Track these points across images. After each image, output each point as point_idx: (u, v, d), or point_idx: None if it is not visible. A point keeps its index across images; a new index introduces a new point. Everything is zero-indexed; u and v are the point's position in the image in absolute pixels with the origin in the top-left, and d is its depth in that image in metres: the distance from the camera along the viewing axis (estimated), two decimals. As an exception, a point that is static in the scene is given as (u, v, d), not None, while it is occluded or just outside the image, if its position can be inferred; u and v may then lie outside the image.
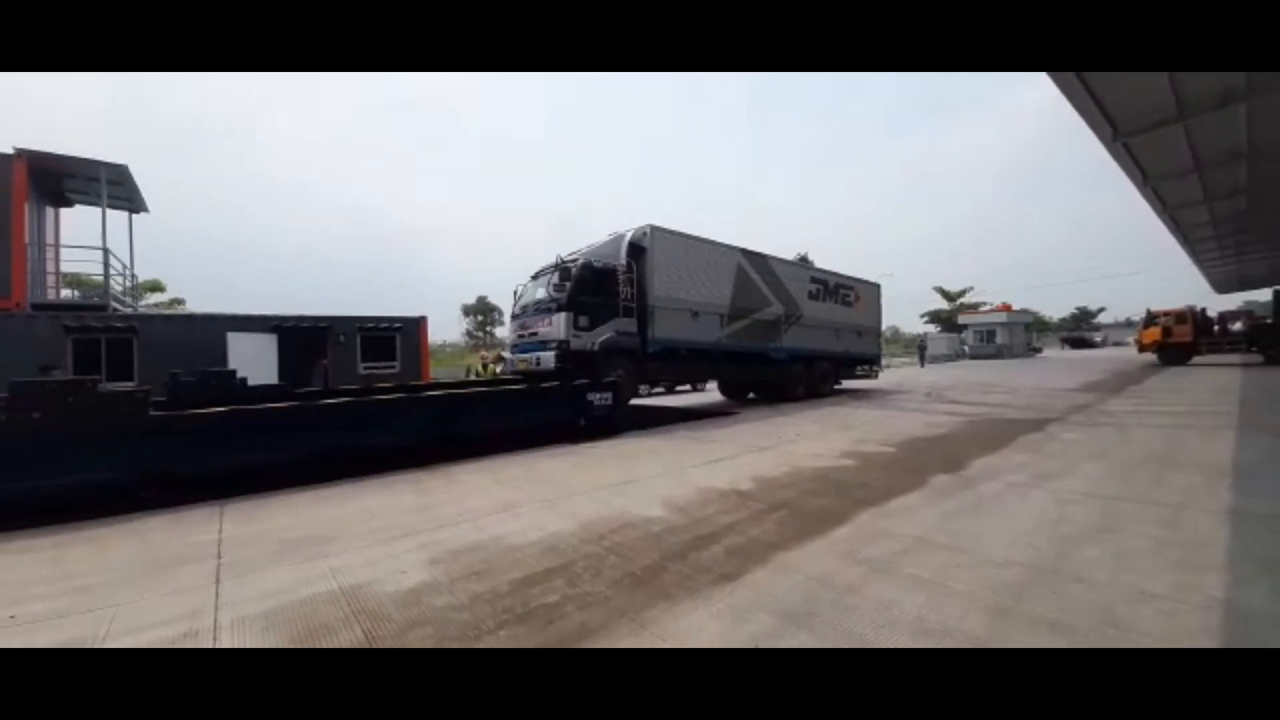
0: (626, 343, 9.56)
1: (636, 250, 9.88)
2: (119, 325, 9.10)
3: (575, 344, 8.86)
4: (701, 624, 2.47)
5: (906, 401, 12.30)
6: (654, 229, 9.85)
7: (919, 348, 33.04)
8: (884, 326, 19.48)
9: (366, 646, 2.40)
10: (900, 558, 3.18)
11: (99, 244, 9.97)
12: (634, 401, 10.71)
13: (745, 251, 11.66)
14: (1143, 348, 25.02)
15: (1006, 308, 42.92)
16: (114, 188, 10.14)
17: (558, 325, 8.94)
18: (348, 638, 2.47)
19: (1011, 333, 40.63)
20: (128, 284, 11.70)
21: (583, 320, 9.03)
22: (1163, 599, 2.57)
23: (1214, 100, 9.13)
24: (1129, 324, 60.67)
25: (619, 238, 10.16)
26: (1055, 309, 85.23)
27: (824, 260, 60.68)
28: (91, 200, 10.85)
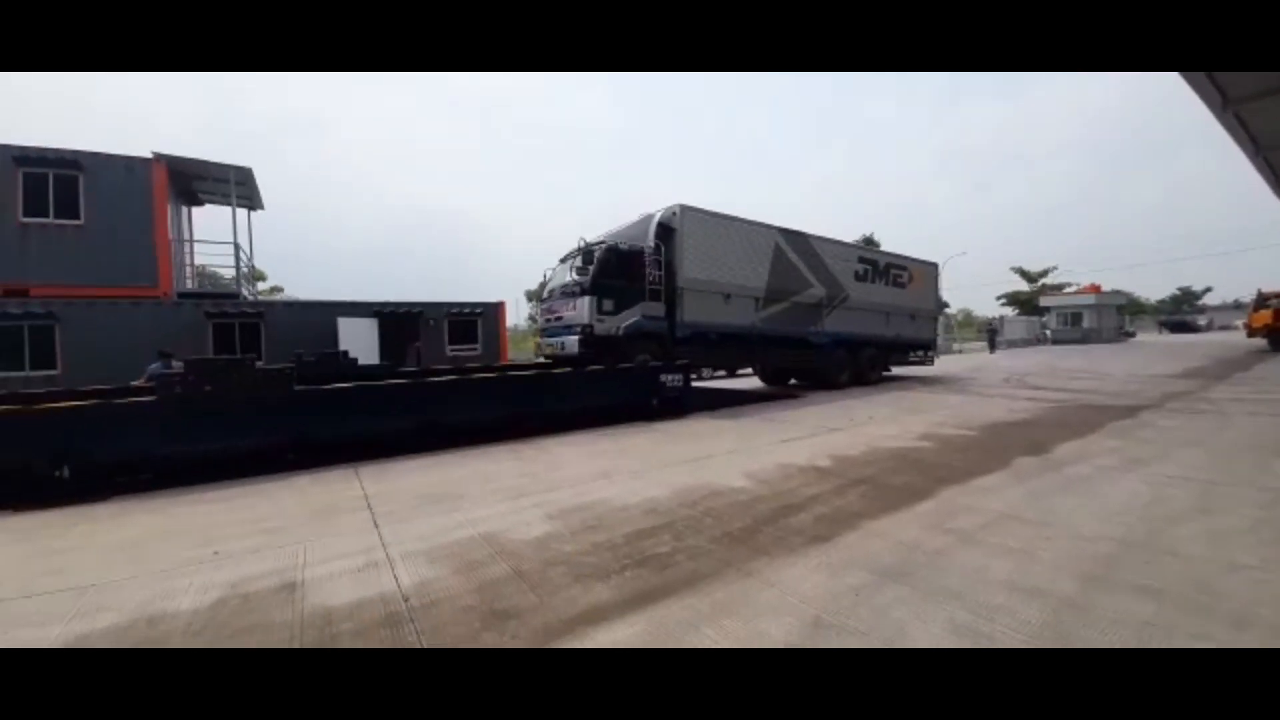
0: (653, 327, 9.28)
1: (665, 231, 9.55)
2: (250, 311, 10.36)
3: (599, 329, 8.70)
4: (803, 576, 2.78)
5: (982, 388, 11.92)
6: (683, 208, 9.47)
7: (988, 332, 31.08)
8: (955, 309, 18.59)
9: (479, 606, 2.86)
10: (987, 529, 3.35)
11: (225, 239, 11.39)
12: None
13: (784, 230, 11.06)
14: (1252, 332, 22.71)
15: (1095, 289, 39.68)
16: (239, 188, 11.44)
17: (581, 309, 8.77)
18: (498, 571, 2.95)
19: (1101, 315, 37.59)
20: (247, 274, 13.12)
21: (607, 304, 8.81)
22: (1255, 569, 2.64)
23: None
24: (1238, 306, 54.68)
25: (648, 219, 9.81)
26: (1153, 290, 77.96)
27: (892, 242, 57.97)
28: (218, 200, 12.29)
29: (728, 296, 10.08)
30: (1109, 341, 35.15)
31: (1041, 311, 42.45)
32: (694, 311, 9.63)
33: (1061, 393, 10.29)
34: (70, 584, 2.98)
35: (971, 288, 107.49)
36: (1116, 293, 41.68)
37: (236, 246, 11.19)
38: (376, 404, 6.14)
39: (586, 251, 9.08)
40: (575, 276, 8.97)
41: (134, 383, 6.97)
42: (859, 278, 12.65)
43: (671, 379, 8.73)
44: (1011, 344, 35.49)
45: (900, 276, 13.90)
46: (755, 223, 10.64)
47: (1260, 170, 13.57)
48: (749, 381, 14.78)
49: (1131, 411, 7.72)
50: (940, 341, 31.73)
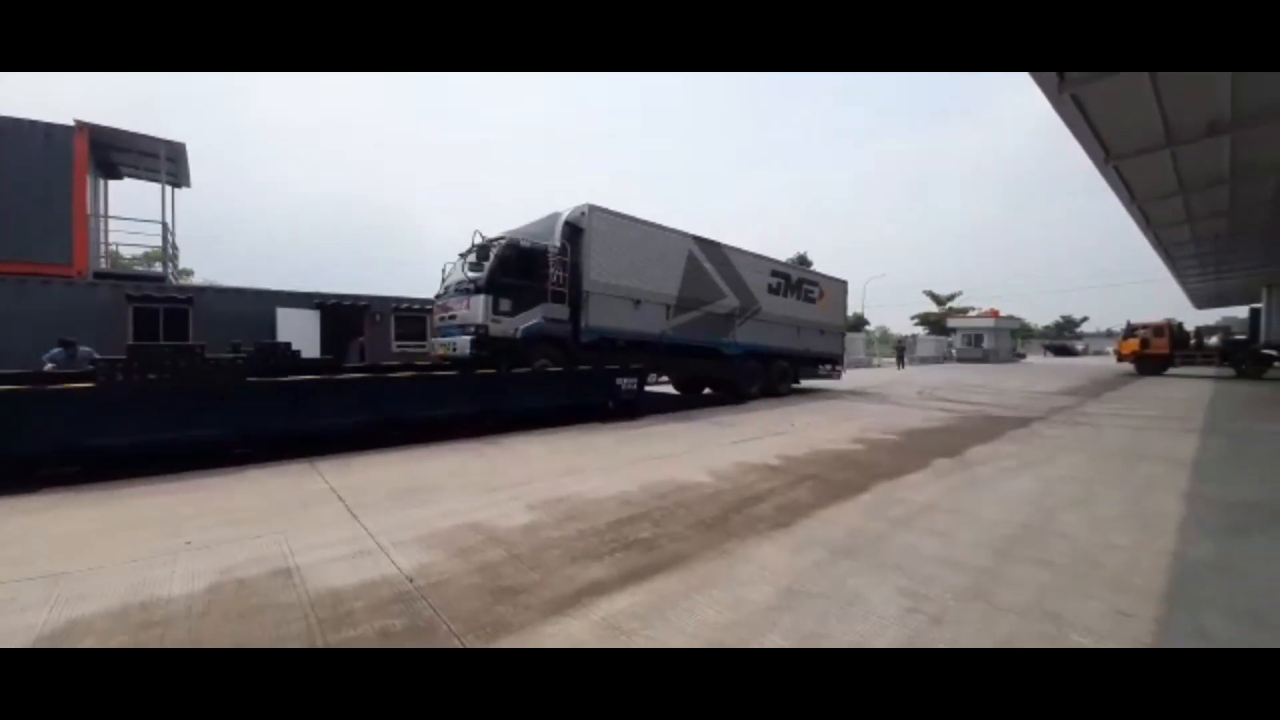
0: (555, 330, 8.93)
1: (573, 231, 9.19)
2: (178, 296, 9.57)
3: (494, 329, 8.26)
4: (771, 554, 3.17)
5: (899, 399, 13.11)
6: (592, 208, 9.12)
7: (897, 349, 33.59)
8: (874, 326, 20.00)
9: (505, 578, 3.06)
10: (916, 517, 3.91)
11: (138, 216, 10.42)
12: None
13: (698, 239, 10.92)
14: (1121, 357, 26.30)
15: (994, 314, 44.20)
16: (168, 164, 10.53)
17: (476, 308, 8.26)
18: (494, 555, 3.14)
19: (998, 338, 41.91)
20: (173, 256, 12.05)
21: (504, 304, 8.36)
22: (1127, 549, 3.32)
23: (1200, 130, 9.94)
24: (1109, 334, 62.52)
25: (554, 216, 9.46)
26: (1040, 316, 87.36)
27: (822, 263, 61.30)
28: (141, 174, 11.25)
29: (637, 302, 9.83)
30: (1004, 361, 39.18)
31: (949, 332, 46.61)
32: (600, 316, 9.32)
33: (966, 405, 11.56)
34: (34, 573, 2.85)
35: (889, 307, 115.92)
36: (1011, 318, 46.51)
37: (165, 226, 10.24)
38: (335, 398, 6.02)
39: (481, 247, 8.59)
40: (468, 273, 8.51)
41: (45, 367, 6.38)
42: (772, 290, 12.75)
43: (626, 383, 9.04)
44: (923, 360, 38.71)
45: (811, 292, 14.23)
46: (669, 229, 10.42)
47: (1134, 217, 15.83)
48: (662, 389, 14.82)
49: (1024, 422, 8.88)
50: (862, 356, 34.15)
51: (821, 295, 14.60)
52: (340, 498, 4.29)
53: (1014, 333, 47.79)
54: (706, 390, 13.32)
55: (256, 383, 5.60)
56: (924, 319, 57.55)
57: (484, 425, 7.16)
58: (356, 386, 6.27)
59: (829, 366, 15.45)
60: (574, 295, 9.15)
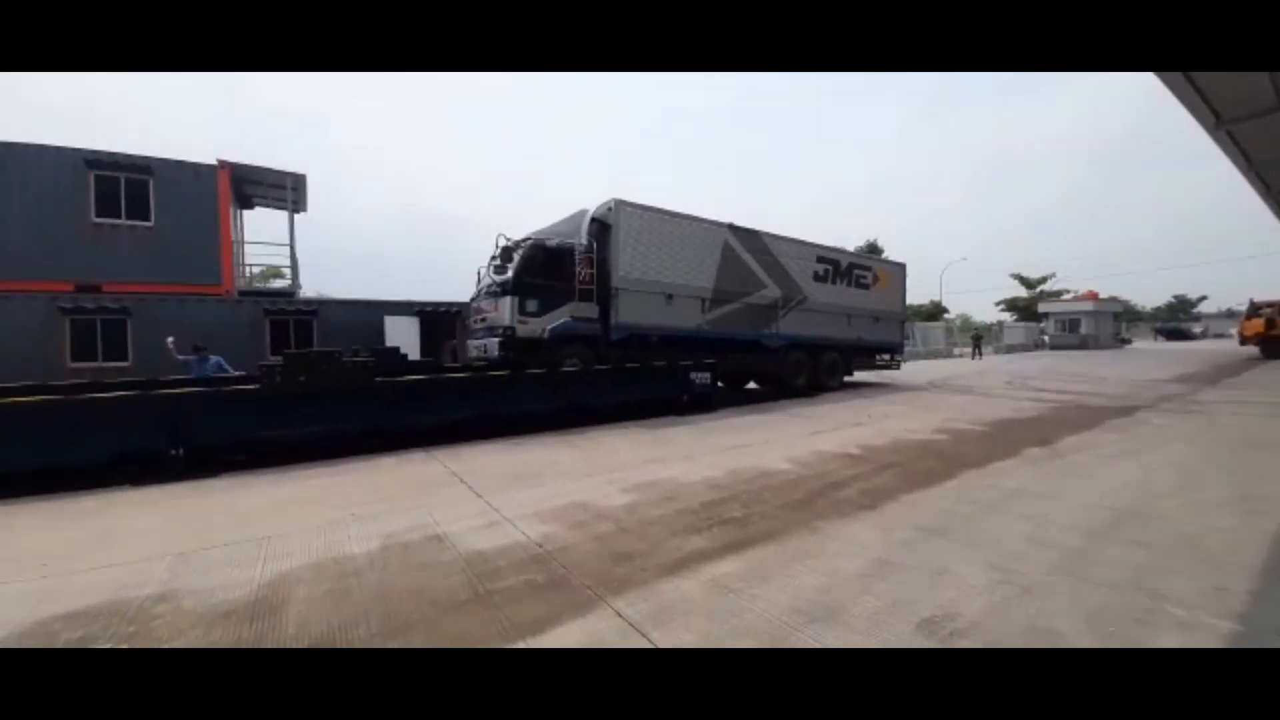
0: (584, 329, 8.82)
1: (600, 228, 9.08)
2: (304, 309, 10.97)
3: (522, 330, 8.24)
4: (859, 532, 3.39)
5: (986, 389, 12.55)
6: (619, 203, 8.95)
7: (973, 339, 30.87)
8: (954, 314, 18.74)
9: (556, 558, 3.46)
10: (1006, 501, 3.97)
11: (265, 239, 11.95)
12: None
13: (734, 228, 10.57)
14: (1244, 340, 23.50)
15: (1093, 295, 40.55)
16: (292, 193, 12.04)
17: (503, 310, 8.28)
18: (604, 528, 3.56)
19: (1098, 322, 38.43)
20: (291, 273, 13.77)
21: (531, 305, 8.33)
22: (1228, 531, 3.27)
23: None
24: (1230, 315, 55.66)
25: (581, 214, 9.34)
26: (1149, 297, 79.00)
27: (896, 251, 58.52)
28: (269, 203, 12.93)
29: (670, 297, 9.59)
30: (1106, 348, 35.92)
31: (1040, 318, 43.25)
32: (631, 313, 9.12)
33: (1062, 394, 10.94)
34: (241, 538, 3.56)
35: (972, 293, 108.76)
36: (1113, 299, 42.50)
37: (292, 248, 11.86)
38: (443, 396, 6.75)
39: (506, 248, 8.60)
40: (493, 275, 8.57)
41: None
42: (818, 278, 12.13)
43: (700, 377, 9.35)
44: (1011, 349, 36.23)
45: (864, 278, 13.34)
46: (701, 219, 10.17)
47: (1252, 183, 14.28)
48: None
49: (1128, 411, 8.37)
50: (941, 346, 32.44)
51: (876, 280, 13.69)
52: (462, 480, 4.90)
53: (1117, 316, 43.61)
54: (751, 384, 12.93)
55: (383, 383, 6.39)
56: (1012, 305, 53.66)
57: (565, 419, 7.69)
58: (460, 385, 6.98)
59: (887, 357, 14.52)
60: (603, 293, 9.00)
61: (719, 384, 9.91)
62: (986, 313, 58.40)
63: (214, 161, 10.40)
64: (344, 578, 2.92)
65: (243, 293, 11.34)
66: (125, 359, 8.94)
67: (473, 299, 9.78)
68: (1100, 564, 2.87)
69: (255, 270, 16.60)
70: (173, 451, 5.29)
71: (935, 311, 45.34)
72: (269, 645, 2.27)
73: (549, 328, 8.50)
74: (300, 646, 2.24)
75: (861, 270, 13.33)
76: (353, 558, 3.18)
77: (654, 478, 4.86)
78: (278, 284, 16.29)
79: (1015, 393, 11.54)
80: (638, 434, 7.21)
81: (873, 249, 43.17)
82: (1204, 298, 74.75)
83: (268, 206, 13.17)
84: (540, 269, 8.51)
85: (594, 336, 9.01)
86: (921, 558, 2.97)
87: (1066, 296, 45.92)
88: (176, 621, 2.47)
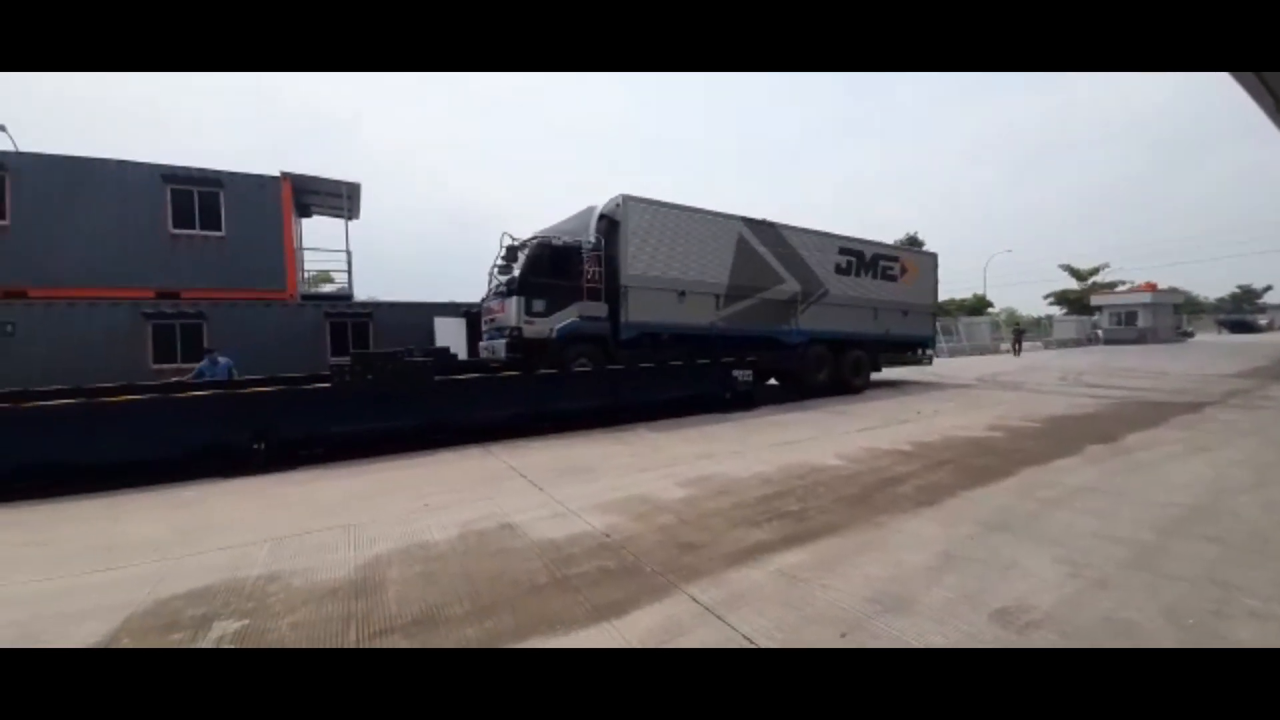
0: (592, 329, 8.68)
1: (609, 225, 8.92)
2: (361, 311, 11.55)
3: (529, 331, 8.16)
4: (921, 526, 3.43)
5: (1037, 385, 12.16)
6: (626, 199, 8.77)
7: (1014, 333, 29.30)
8: (999, 308, 17.83)
9: (608, 542, 3.59)
10: (1070, 497, 3.93)
11: (316, 246, 12.59)
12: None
13: (748, 220, 10.29)
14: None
15: (1150, 287, 38.46)
16: (348, 201, 12.69)
17: (509, 311, 8.24)
18: (666, 519, 3.69)
19: (1156, 314, 36.44)
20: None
21: (538, 305, 8.24)
22: (1315, 530, 3.17)
23: None
24: (1306, 304, 51.83)
25: (589, 211, 9.22)
26: (1211, 288, 74.36)
27: (933, 241, 56.81)
28: (326, 211, 13.63)
29: (682, 294, 9.39)
30: (1166, 342, 34.08)
31: (1092, 311, 41.33)
32: (641, 311, 8.94)
33: (1120, 390, 10.52)
34: (329, 525, 3.84)
35: (1018, 285, 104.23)
36: (1173, 290, 40.24)
37: (348, 254, 12.49)
38: (497, 394, 7.01)
39: (511, 248, 8.60)
40: (498, 275, 8.60)
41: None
42: (841, 270, 11.67)
43: (742, 375, 9.39)
44: (1062, 344, 34.78)
45: (890, 269, 12.72)
46: (714, 213, 9.91)
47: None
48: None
49: (1194, 407, 8.02)
50: (987, 342, 31.37)
51: (904, 271, 13.04)
52: (521, 474, 5.11)
53: (1177, 308, 41.21)
54: (771, 380, 12.22)
55: (441, 381, 6.69)
56: (1062, 297, 51.35)
57: (609, 417, 7.86)
58: (512, 383, 7.23)
59: (919, 351, 13.91)
60: (612, 291, 8.83)
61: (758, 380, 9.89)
62: (1035, 306, 56.12)
63: (277, 173, 11.09)
64: (430, 561, 3.13)
65: (305, 297, 12.00)
66: (200, 360, 9.61)
67: (483, 300, 9.84)
68: (1173, 558, 2.85)
69: (308, 275, 17.43)
70: (255, 445, 5.69)
71: (979, 305, 43.82)
72: (375, 620, 2.48)
73: (556, 328, 8.39)
74: (402, 623, 2.45)
75: (888, 261, 12.75)
76: (435, 544, 3.40)
77: (706, 472, 4.97)
78: (327, 288, 17.03)
79: (1069, 389, 11.15)
80: (684, 430, 7.32)
81: (912, 241, 42.04)
82: (1269, 287, 69.89)
83: (324, 214, 13.86)
84: (546, 268, 8.43)
85: (603, 336, 8.87)
86: (988, 552, 3.00)
87: (1121, 288, 43.71)
88: (289, 599, 2.72)
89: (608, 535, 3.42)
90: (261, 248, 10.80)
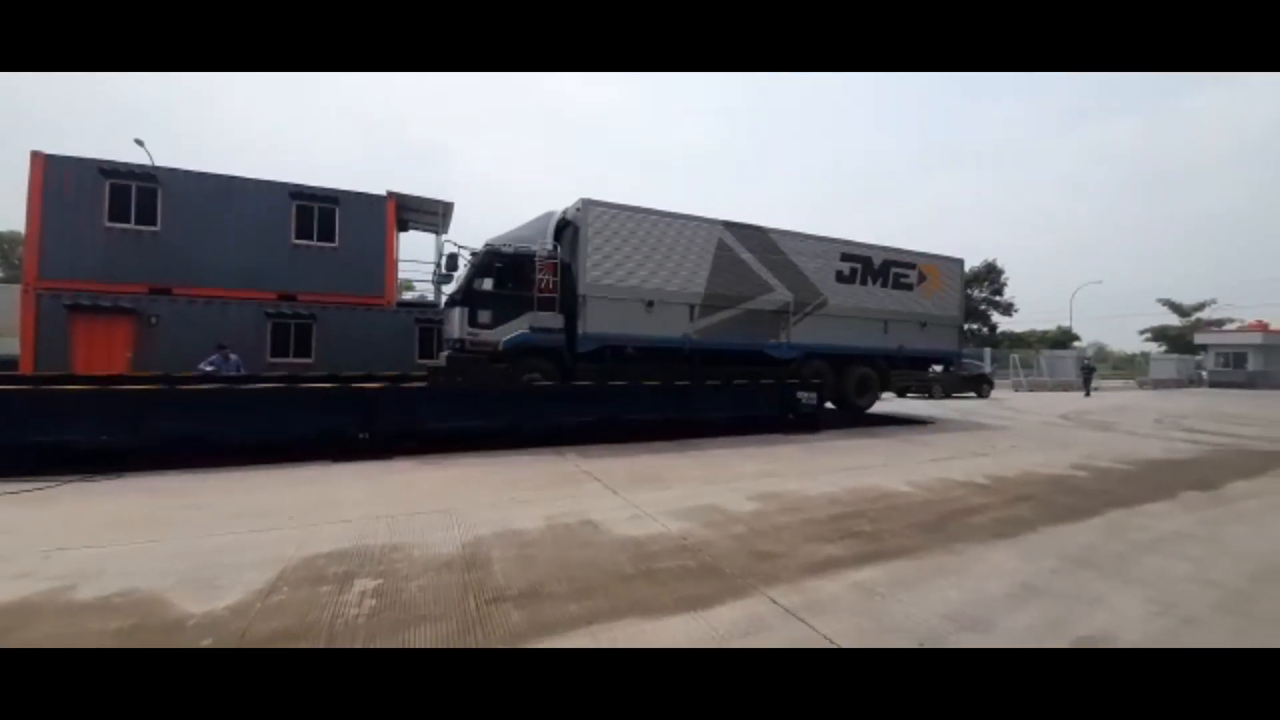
0: (544, 341, 8.22)
1: (573, 231, 8.55)
2: (438, 317, 12.62)
3: (473, 343, 7.82)
4: (1002, 558, 3.44)
5: (1131, 428, 11.36)
6: (586, 202, 8.34)
7: (1083, 369, 25.28)
8: (1087, 342, 15.93)
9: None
10: (1162, 543, 3.79)
11: (407, 257, 13.79)
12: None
13: (730, 224, 9.64)
14: None
15: (1262, 326, 34.71)
16: (442, 219, 13.92)
17: (453, 322, 8.01)
18: (738, 529, 3.87)
19: (1268, 357, 32.82)
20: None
21: (483, 315, 7.87)
22: None
23: None
24: None
25: (548, 216, 8.82)
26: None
27: (1017, 271, 53.71)
28: (422, 227, 15.03)
29: (650, 304, 8.85)
30: (1278, 387, 30.60)
31: (1196, 350, 37.77)
32: (601, 322, 8.45)
33: (1224, 437, 9.70)
34: (430, 509, 4.27)
35: (1110, 319, 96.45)
36: (1293, 332, 36.10)
37: (437, 266, 13.61)
38: (574, 401, 7.43)
39: (451, 255, 8.38)
40: (443, 286, 8.51)
41: (201, 368, 8.16)
42: (843, 278, 10.79)
43: (806, 396, 9.39)
44: (1159, 384, 31.95)
45: (905, 276, 11.58)
46: (689, 216, 9.33)
47: None
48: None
49: (1314, 461, 7.32)
50: (1072, 378, 29.26)
51: (922, 280, 11.83)
52: (595, 478, 5.43)
53: (1298, 351, 36.95)
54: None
55: (523, 385, 7.18)
56: (1161, 334, 47.22)
57: (674, 430, 8.07)
58: (587, 392, 7.64)
59: (939, 368, 13.00)
60: (569, 301, 8.42)
61: (824, 403, 9.82)
62: (1129, 341, 51.83)
63: (383, 192, 12.32)
64: (525, 546, 3.47)
65: (400, 304, 13.22)
66: (309, 356, 10.80)
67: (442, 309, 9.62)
68: (1267, 601, 2.76)
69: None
70: (360, 435, 6.34)
71: (1064, 338, 41.01)
72: (489, 589, 2.82)
73: (503, 340, 7.97)
74: (512, 594, 2.77)
75: (902, 268, 11.56)
76: (527, 531, 3.75)
77: (773, 489, 5.10)
78: (408, 295, 18.38)
79: (1166, 432, 10.38)
80: (746, 448, 7.44)
81: (992, 269, 40.06)
82: None
83: (419, 229, 15.18)
84: (494, 276, 8.13)
85: (557, 349, 8.42)
86: (1071, 587, 3.00)
87: (1230, 327, 39.68)
88: (412, 567, 3.12)
89: (684, 539, 3.65)
90: (367, 258, 12.05)
